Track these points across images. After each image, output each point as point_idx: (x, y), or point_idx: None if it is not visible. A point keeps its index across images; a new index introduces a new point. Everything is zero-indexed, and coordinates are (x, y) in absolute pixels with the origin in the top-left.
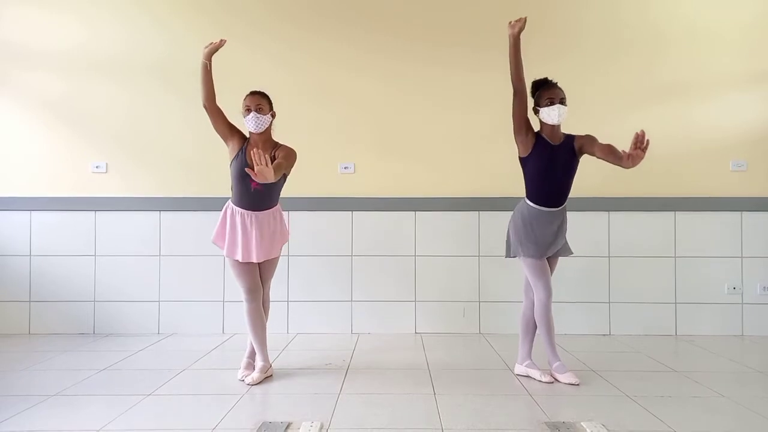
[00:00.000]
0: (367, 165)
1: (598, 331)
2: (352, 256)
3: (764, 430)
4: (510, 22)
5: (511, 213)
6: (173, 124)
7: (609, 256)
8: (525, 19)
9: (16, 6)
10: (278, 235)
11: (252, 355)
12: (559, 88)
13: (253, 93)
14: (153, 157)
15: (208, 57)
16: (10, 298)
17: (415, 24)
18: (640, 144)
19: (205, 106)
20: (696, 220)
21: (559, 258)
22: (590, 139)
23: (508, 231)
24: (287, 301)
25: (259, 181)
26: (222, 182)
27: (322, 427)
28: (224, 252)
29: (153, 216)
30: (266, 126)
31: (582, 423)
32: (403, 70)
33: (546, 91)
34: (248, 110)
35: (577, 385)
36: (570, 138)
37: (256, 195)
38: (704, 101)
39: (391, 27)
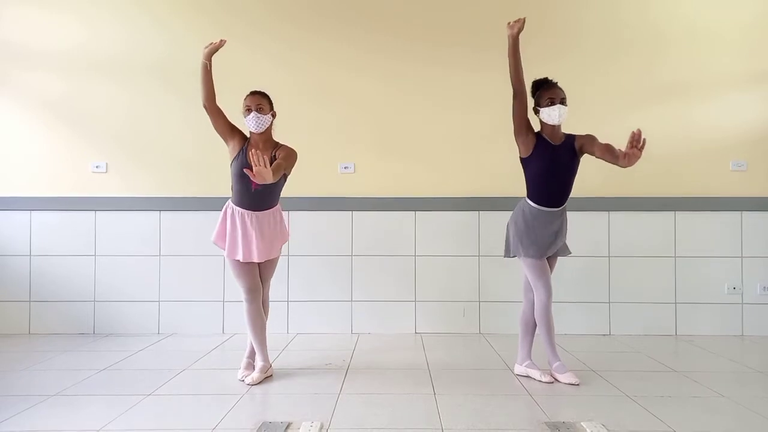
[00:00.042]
0: (367, 165)
1: (598, 331)
2: (352, 256)
3: (764, 430)
4: (509, 23)
5: (510, 213)
6: (173, 124)
7: (609, 256)
8: (524, 19)
9: (16, 6)
10: (278, 235)
11: (252, 355)
12: (560, 88)
13: (254, 93)
14: (153, 157)
15: (208, 57)
16: (10, 298)
17: (415, 24)
18: (636, 143)
19: (205, 106)
20: (696, 220)
21: (559, 258)
22: (590, 139)
23: (508, 230)
24: (287, 301)
25: (258, 182)
26: (222, 182)
27: (322, 427)
28: (225, 252)
29: (153, 216)
30: (267, 126)
31: (582, 423)
32: (403, 70)
33: (546, 91)
34: (249, 110)
35: (577, 385)
36: (571, 138)
37: (257, 195)
38: (704, 101)
39: (391, 27)
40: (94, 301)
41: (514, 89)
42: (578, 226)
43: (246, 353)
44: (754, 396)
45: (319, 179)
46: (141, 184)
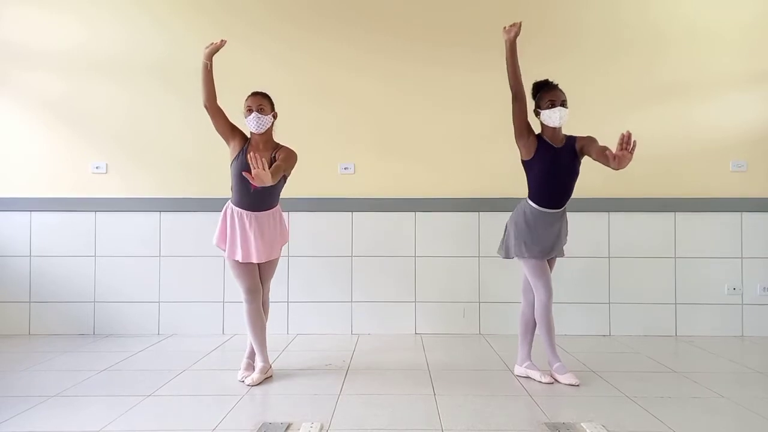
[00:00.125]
0: (367, 165)
1: (598, 332)
2: (352, 256)
3: (764, 431)
4: (505, 27)
5: (510, 213)
6: (173, 124)
7: (609, 257)
8: (520, 23)
9: (16, 6)
10: (278, 236)
11: (252, 356)
12: (560, 90)
13: (255, 93)
14: (153, 158)
15: (209, 57)
16: (10, 299)
17: (415, 24)
18: (626, 145)
19: (206, 106)
20: (696, 220)
21: (557, 259)
22: (590, 140)
23: (507, 231)
24: (287, 302)
25: (257, 185)
26: (222, 183)
27: (322, 428)
28: (225, 253)
29: (153, 217)
30: (267, 126)
31: (582, 424)
32: (403, 70)
33: (547, 93)
34: (250, 110)
35: (577, 385)
36: (571, 139)
37: (256, 195)
38: (704, 101)
39: (391, 27)
40: (94, 301)
41: (513, 93)
42: (578, 226)
43: (246, 354)
44: (754, 397)
45: (319, 180)
46: (141, 184)
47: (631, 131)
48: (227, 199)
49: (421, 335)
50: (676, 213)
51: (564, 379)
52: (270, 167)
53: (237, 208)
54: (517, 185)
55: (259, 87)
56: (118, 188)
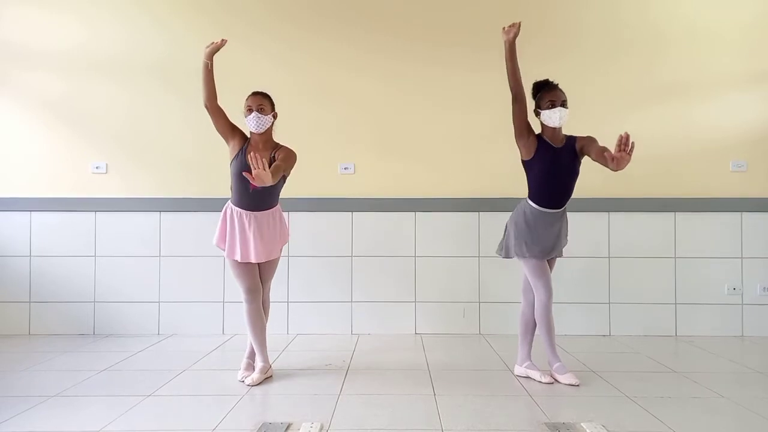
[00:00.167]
0: (367, 165)
1: (598, 332)
2: (352, 256)
3: (764, 431)
4: (504, 28)
5: (510, 213)
6: (173, 124)
7: (609, 257)
8: (519, 24)
9: (16, 6)
10: (278, 236)
11: (252, 356)
12: (561, 90)
13: (255, 93)
14: (153, 158)
15: (210, 57)
16: (10, 299)
17: (415, 24)
18: (624, 146)
19: (206, 106)
20: (696, 220)
21: (557, 259)
22: (590, 140)
23: (507, 231)
24: (287, 302)
25: (257, 185)
26: (222, 183)
27: (322, 428)
28: (225, 253)
29: (153, 217)
30: (267, 126)
31: (582, 424)
32: (403, 70)
33: (547, 93)
34: (250, 110)
35: (577, 385)
36: (572, 139)
37: (255, 195)
38: (704, 101)
39: (391, 27)
40: (94, 301)
41: (513, 93)
42: (578, 226)
43: (246, 354)
44: (754, 397)
45: (319, 180)
46: (141, 184)
47: (629, 132)
48: (227, 199)
49: (421, 335)
50: (676, 213)
51: (564, 379)
52: (269, 167)
53: (236, 208)
54: (517, 185)
55: (259, 87)
56: (118, 188)
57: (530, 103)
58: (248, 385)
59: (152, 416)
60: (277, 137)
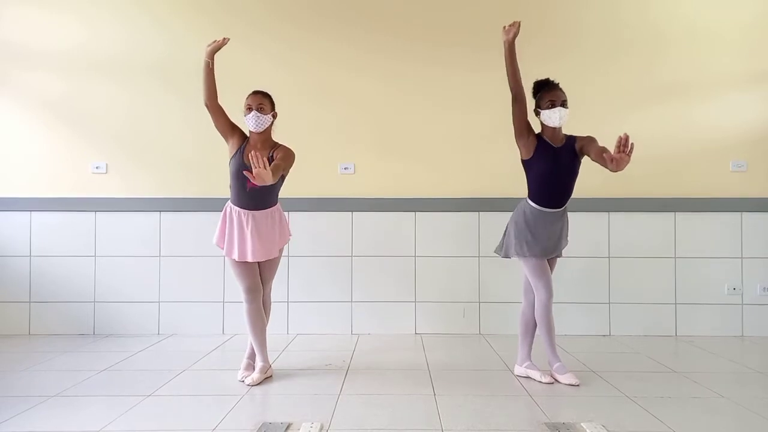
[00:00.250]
0: (367, 165)
1: (598, 332)
2: (352, 256)
3: (764, 431)
4: (504, 27)
5: (510, 213)
6: (173, 124)
7: (609, 257)
8: (519, 23)
9: (16, 6)
10: (277, 236)
11: (252, 356)
12: (561, 90)
13: (256, 92)
14: (153, 158)
15: (211, 55)
16: (10, 299)
17: (415, 24)
18: (624, 147)
19: (206, 105)
20: (696, 220)
21: (557, 259)
22: (590, 141)
23: (507, 231)
24: (287, 302)
25: (258, 184)
26: (222, 183)
27: (322, 428)
28: (224, 252)
29: (153, 217)
30: (266, 126)
31: (582, 424)
32: (403, 70)
33: (547, 93)
34: (249, 109)
35: (577, 385)
36: (571, 139)
37: (252, 194)
38: (704, 101)
39: (391, 27)
40: (94, 301)
41: (512, 93)
42: (578, 226)
43: (246, 354)
44: (754, 397)
45: (319, 180)
46: (141, 184)
47: (629, 132)
48: (227, 199)
49: (421, 335)
50: (676, 213)
51: (564, 379)
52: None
53: (235, 207)
54: (517, 185)
55: (260, 87)
56: (118, 188)
57: (530, 103)
58: (248, 385)
59: (152, 416)
60: (277, 137)
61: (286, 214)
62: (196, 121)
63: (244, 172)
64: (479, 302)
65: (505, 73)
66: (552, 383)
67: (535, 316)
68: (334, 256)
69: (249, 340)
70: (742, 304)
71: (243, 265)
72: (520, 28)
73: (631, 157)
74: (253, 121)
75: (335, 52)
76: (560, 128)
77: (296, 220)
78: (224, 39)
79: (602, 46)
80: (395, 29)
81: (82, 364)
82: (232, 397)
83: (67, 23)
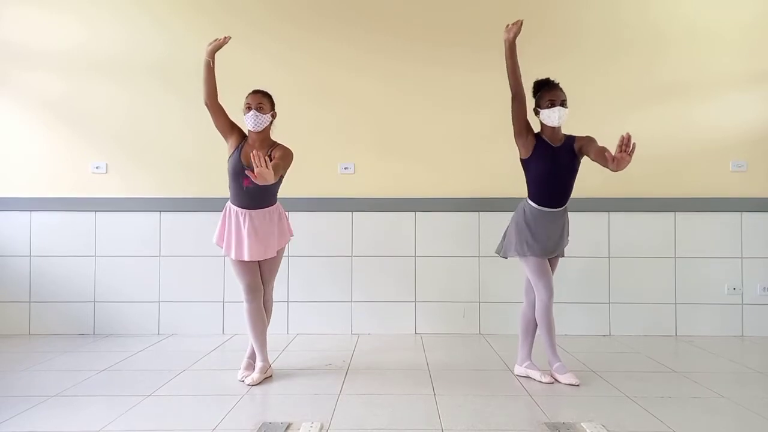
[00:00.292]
0: (367, 165)
1: (598, 332)
2: (352, 256)
3: (764, 431)
4: (507, 26)
5: (510, 213)
6: (173, 124)
7: (609, 257)
8: (521, 22)
9: (16, 6)
10: (275, 235)
11: (252, 356)
12: (561, 90)
13: (256, 92)
14: (153, 158)
15: (212, 54)
16: (10, 299)
17: (415, 24)
18: (625, 147)
19: (206, 104)
20: (696, 220)
21: (559, 259)
22: (589, 140)
23: (508, 230)
24: (287, 302)
25: (260, 183)
26: (222, 183)
27: (322, 428)
28: (223, 251)
29: (153, 216)
30: (265, 125)
31: (582, 424)
32: (403, 70)
33: (547, 92)
34: (249, 108)
35: (577, 385)
36: (570, 139)
37: (249, 193)
38: (704, 101)
39: (391, 27)
40: (94, 301)
41: (512, 92)
42: (578, 226)
43: (247, 353)
44: (754, 396)
45: (319, 179)
46: (141, 184)
47: (630, 133)
48: (227, 199)
49: (421, 335)
50: (676, 213)
51: (564, 378)
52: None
53: (233, 207)
54: (517, 185)
55: (260, 87)
56: (118, 188)
57: (530, 102)
58: (248, 385)
59: (152, 416)
60: (278, 137)
61: (286, 214)
62: (196, 121)
63: (246, 172)
64: (479, 302)
65: (506, 72)
66: (552, 383)
67: (536, 315)
68: (334, 256)
69: (250, 339)
70: (742, 304)
71: (243, 264)
72: (522, 27)
73: (632, 157)
74: (252, 120)
75: (335, 52)
76: (559, 128)
77: (296, 220)
78: (225, 38)
79: (602, 46)
80: (395, 29)
81: (82, 364)
82: (232, 397)
83: (67, 23)
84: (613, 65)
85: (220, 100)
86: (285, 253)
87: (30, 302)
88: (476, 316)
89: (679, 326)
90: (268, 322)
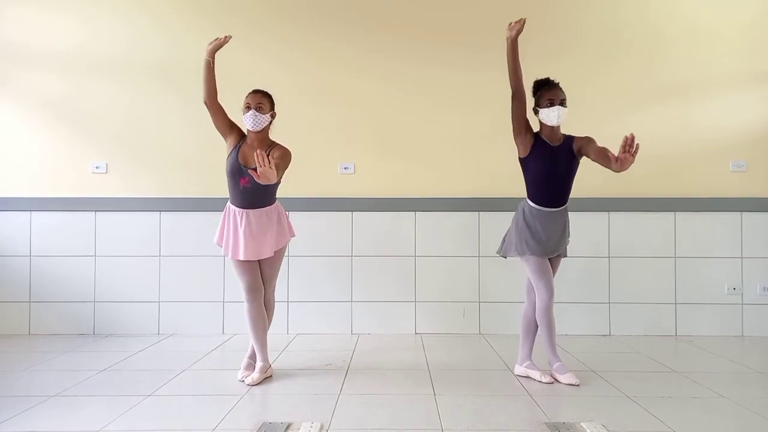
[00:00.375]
0: (367, 165)
1: (598, 332)
2: (352, 256)
3: (764, 431)
4: (510, 24)
5: (510, 213)
6: (173, 124)
7: (609, 257)
8: (524, 21)
9: (16, 6)
10: (274, 235)
11: (253, 356)
12: (560, 89)
13: (256, 91)
14: (153, 158)
15: (212, 54)
16: (10, 299)
17: (415, 24)
18: (629, 148)
19: (206, 103)
20: (696, 220)
21: (561, 258)
22: (588, 141)
23: (509, 230)
24: (287, 302)
25: (262, 183)
26: (222, 183)
27: (322, 428)
28: (222, 251)
29: (153, 216)
30: (264, 125)
31: (582, 423)
32: (403, 70)
33: (547, 91)
34: (248, 108)
35: (578, 385)
36: (569, 139)
37: (246, 193)
38: (704, 101)
39: (391, 27)
40: (94, 301)
41: (513, 90)
42: (578, 226)
43: (247, 353)
44: (754, 396)
45: (318, 179)
46: (141, 184)
47: (634, 134)
48: (227, 200)
49: (421, 335)
50: (676, 213)
51: (564, 378)
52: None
53: (232, 206)
54: (517, 185)
55: (260, 87)
56: (118, 188)
57: (530, 102)
58: (248, 385)
59: (152, 416)
60: (277, 137)
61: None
62: (196, 121)
63: (249, 171)
64: (479, 302)
65: (506, 71)
66: (552, 383)
67: (536, 315)
68: (334, 256)
69: (250, 339)
70: (742, 304)
71: (242, 264)
72: (524, 26)
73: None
74: (251, 120)
75: (335, 52)
76: (558, 127)
77: (296, 220)
78: (226, 37)
79: (602, 46)
80: (395, 29)
81: (82, 364)
82: (232, 397)
83: (67, 23)
84: (613, 65)
85: (220, 99)
86: (285, 253)
87: (30, 302)
88: (476, 316)
89: (679, 326)
90: (270, 321)
